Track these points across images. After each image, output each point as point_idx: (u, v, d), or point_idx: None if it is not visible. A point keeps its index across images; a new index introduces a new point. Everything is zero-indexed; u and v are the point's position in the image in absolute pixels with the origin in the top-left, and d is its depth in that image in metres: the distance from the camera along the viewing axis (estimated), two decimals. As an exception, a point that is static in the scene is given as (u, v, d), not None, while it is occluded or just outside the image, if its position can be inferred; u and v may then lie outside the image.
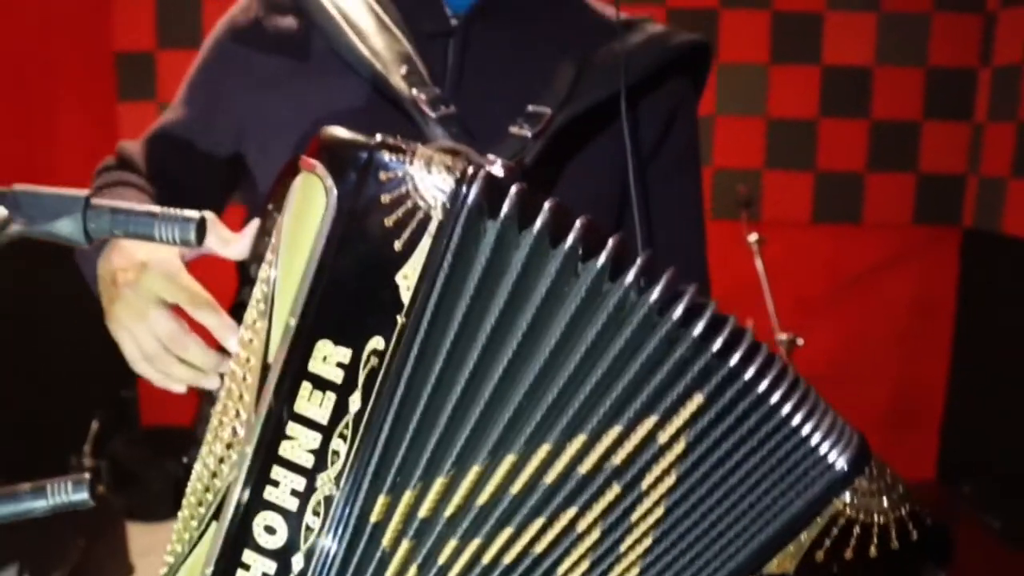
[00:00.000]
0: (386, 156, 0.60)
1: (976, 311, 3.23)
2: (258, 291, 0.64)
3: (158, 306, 0.69)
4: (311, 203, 0.60)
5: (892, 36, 3.17)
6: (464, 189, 0.59)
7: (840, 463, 0.64)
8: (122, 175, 0.92)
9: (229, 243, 0.70)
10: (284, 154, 0.77)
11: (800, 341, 2.12)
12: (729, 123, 3.25)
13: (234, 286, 0.73)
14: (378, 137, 0.62)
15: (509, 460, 0.63)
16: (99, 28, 3.27)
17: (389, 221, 0.59)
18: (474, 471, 0.63)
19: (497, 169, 0.65)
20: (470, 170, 0.60)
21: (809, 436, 0.64)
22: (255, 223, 0.70)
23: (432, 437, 0.62)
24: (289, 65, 0.89)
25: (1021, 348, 2.91)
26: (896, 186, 3.27)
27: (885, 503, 0.65)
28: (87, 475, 0.54)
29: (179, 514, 0.68)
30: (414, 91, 0.81)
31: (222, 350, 0.69)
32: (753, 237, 2.21)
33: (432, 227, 0.59)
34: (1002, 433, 2.98)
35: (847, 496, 0.65)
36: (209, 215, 0.68)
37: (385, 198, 0.59)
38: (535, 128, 0.81)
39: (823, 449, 0.64)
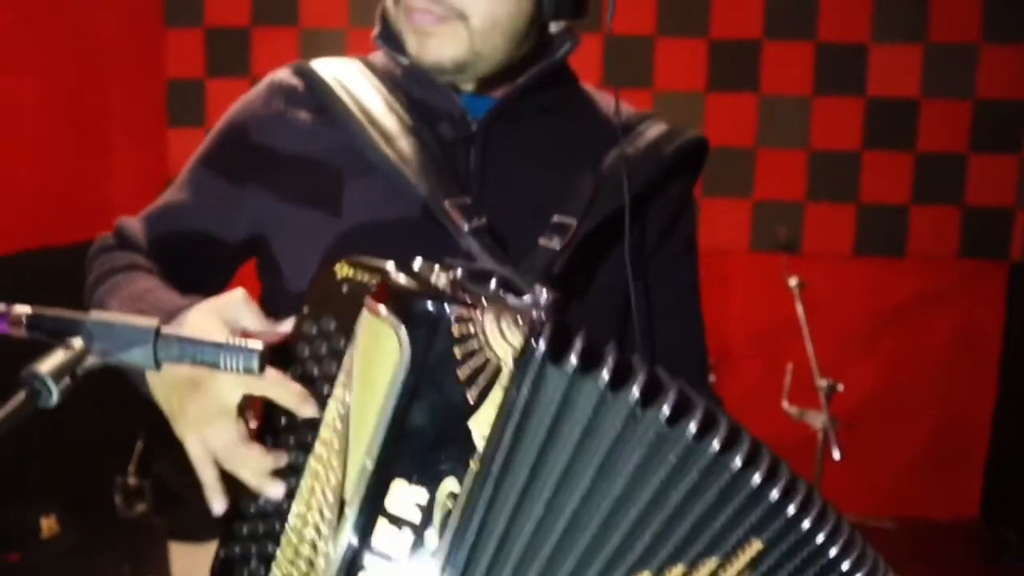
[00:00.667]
0: (457, 311, 0.63)
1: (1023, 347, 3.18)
2: (332, 411, 0.67)
3: (223, 415, 0.70)
4: (384, 348, 0.64)
5: (939, 68, 3.13)
6: (533, 343, 0.63)
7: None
8: (130, 258, 0.92)
9: (262, 321, 0.73)
10: (313, 252, 0.81)
11: (840, 387, 2.10)
12: (770, 155, 3.23)
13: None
14: (442, 279, 0.65)
15: None
16: (153, 57, 3.36)
17: (462, 374, 0.63)
18: None
19: (543, 296, 0.67)
20: (536, 326, 0.63)
21: None
22: (288, 324, 0.72)
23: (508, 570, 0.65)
24: (311, 161, 0.89)
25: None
26: (941, 219, 3.22)
27: None
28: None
29: None
30: (446, 202, 0.83)
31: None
32: (794, 281, 2.20)
33: (503, 379, 0.63)
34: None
35: None
36: (240, 301, 0.71)
37: (457, 351, 0.63)
38: (563, 240, 0.84)
39: None
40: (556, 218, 0.85)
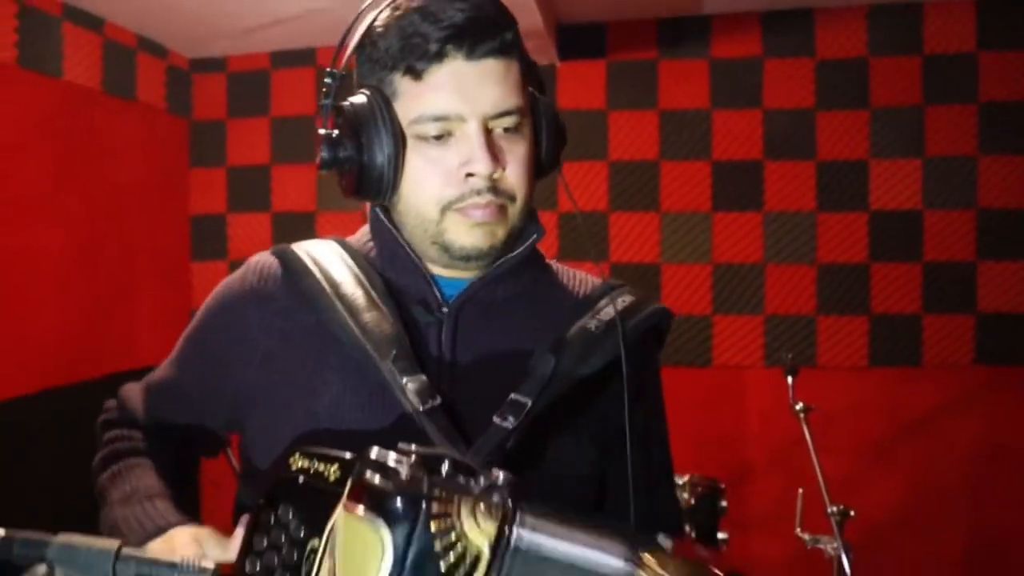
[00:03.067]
0: (435, 507, 0.67)
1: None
2: None
3: None
4: (366, 546, 0.66)
5: (939, 179, 3.19)
6: (506, 530, 0.67)
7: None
8: (128, 442, 0.99)
9: (227, 549, 0.77)
10: (281, 429, 0.85)
11: (852, 512, 2.06)
12: (779, 271, 3.27)
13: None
14: (404, 468, 0.68)
15: None
16: (178, 195, 3.53)
17: (444, 564, 0.66)
18: None
19: (500, 478, 0.71)
20: (508, 513, 0.68)
21: None
22: (245, 520, 0.76)
23: None
24: (283, 341, 0.94)
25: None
26: (955, 327, 3.21)
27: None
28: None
29: None
30: (404, 380, 0.85)
31: None
32: (799, 406, 2.19)
33: (482, 565, 0.67)
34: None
35: None
36: (205, 537, 0.75)
37: (437, 544, 0.66)
38: (517, 418, 0.86)
39: None
40: (512, 396, 0.88)
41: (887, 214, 3.22)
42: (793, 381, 2.24)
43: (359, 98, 0.90)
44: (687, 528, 2.28)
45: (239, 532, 0.76)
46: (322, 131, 0.90)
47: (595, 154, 3.34)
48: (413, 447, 0.72)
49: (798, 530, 2.14)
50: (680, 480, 2.32)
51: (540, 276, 1.03)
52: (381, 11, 0.88)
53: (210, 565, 0.59)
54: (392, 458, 0.70)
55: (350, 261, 0.96)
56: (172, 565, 0.58)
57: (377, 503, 0.66)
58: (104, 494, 0.93)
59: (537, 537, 0.68)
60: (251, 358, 0.95)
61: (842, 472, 3.15)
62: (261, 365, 0.94)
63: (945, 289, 3.20)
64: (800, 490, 2.14)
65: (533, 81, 0.94)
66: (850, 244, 3.25)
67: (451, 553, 0.66)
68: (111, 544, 0.59)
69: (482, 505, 0.68)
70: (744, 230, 3.29)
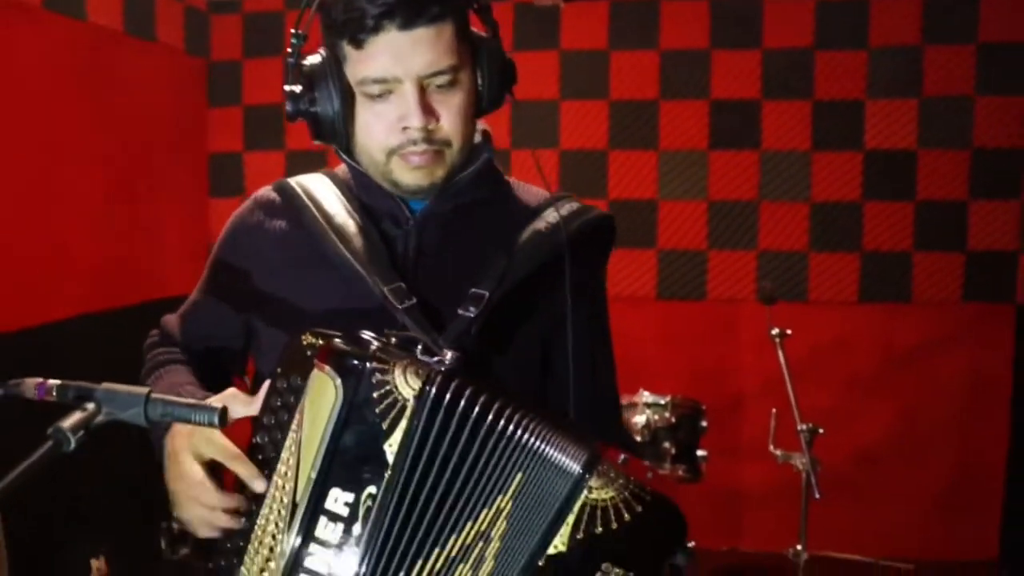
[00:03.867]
0: (375, 365, 0.87)
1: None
2: (289, 446, 0.90)
3: (195, 462, 0.95)
4: (324, 394, 0.88)
5: (934, 119, 3.26)
6: (427, 387, 0.87)
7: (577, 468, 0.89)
8: (169, 353, 1.19)
9: (248, 404, 0.95)
10: (286, 329, 1.02)
11: (822, 431, 2.22)
12: (773, 208, 3.38)
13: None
14: (372, 343, 0.88)
15: (435, 554, 0.91)
16: (197, 133, 3.68)
17: (378, 409, 0.87)
18: (429, 563, 0.91)
19: (449, 359, 0.91)
20: (431, 375, 0.88)
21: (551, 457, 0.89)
22: (267, 384, 0.94)
23: (409, 545, 0.90)
24: (286, 261, 1.12)
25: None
26: (945, 265, 3.31)
27: (612, 490, 0.88)
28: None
29: None
30: (385, 289, 1.04)
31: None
32: (775, 331, 2.34)
33: (408, 413, 0.87)
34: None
35: (586, 492, 0.89)
36: (232, 396, 0.93)
37: (375, 394, 0.87)
38: (478, 308, 1.03)
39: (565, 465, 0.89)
40: (472, 291, 1.05)
41: (881, 153, 3.30)
42: (770, 309, 2.38)
43: (315, 58, 1.06)
44: (629, 430, 2.44)
45: (261, 393, 0.95)
46: (286, 88, 1.07)
47: (596, 93, 3.44)
48: (394, 332, 0.94)
49: (771, 447, 2.30)
50: (662, 400, 2.49)
51: (497, 189, 1.18)
52: None
53: (219, 405, 0.75)
54: (374, 339, 0.88)
55: (337, 191, 1.14)
56: (190, 405, 0.75)
57: (336, 360, 0.87)
58: None
59: (461, 402, 0.87)
60: (261, 276, 1.14)
61: (831, 402, 3.31)
62: (269, 282, 1.13)
63: (936, 227, 3.29)
64: (773, 410, 2.30)
65: (473, 35, 1.08)
66: (844, 183, 3.34)
67: (386, 401, 0.86)
68: (143, 390, 0.75)
69: (413, 367, 0.87)
70: (740, 168, 3.38)
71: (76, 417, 0.72)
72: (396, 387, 0.86)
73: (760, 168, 3.37)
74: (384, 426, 0.86)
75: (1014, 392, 3.30)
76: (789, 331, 2.37)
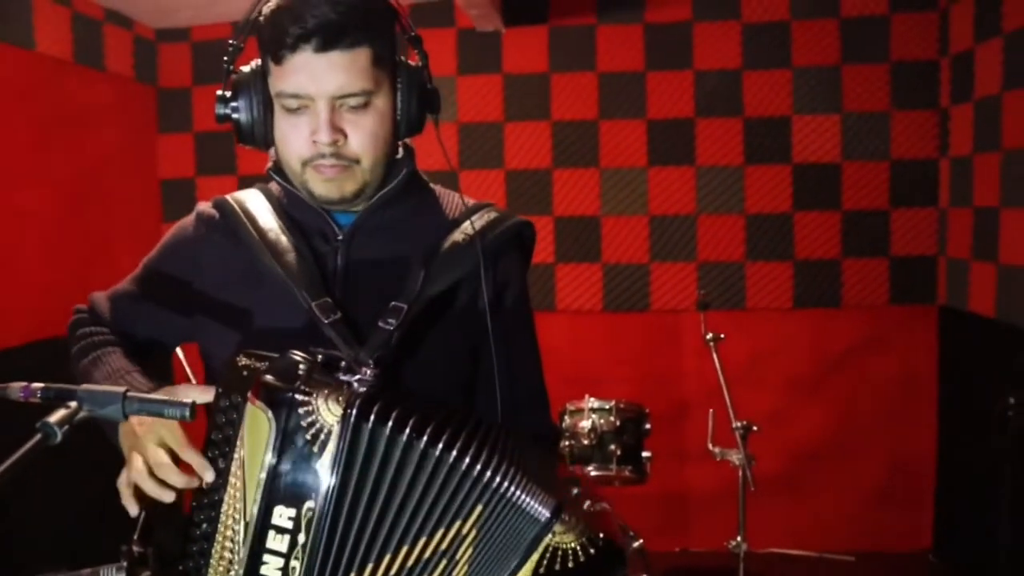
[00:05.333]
0: (301, 397, 0.97)
1: (958, 385, 3.40)
2: (235, 463, 0.99)
3: (157, 446, 1.03)
4: (259, 425, 0.98)
5: (855, 134, 3.47)
6: (348, 411, 0.97)
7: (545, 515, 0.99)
8: (102, 336, 1.25)
9: (204, 393, 1.05)
10: (226, 342, 1.14)
11: (756, 428, 2.36)
12: (710, 221, 3.55)
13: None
14: (300, 366, 0.98)
15: (386, 559, 1.00)
16: (148, 159, 3.73)
17: (308, 435, 0.97)
18: (369, 568, 1.00)
19: (368, 377, 1.02)
20: (352, 400, 0.97)
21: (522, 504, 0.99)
22: (213, 390, 1.04)
23: (348, 550, 0.99)
24: (225, 275, 1.20)
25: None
26: (871, 270, 3.51)
27: (572, 536, 1.00)
28: (124, 564, 0.84)
29: None
30: (314, 304, 1.12)
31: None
32: (709, 336, 2.48)
33: (334, 436, 0.97)
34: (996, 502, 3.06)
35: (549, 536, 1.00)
36: (188, 389, 1.05)
37: (304, 422, 0.97)
38: (397, 320, 1.13)
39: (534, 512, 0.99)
40: (392, 304, 1.13)
41: (808, 167, 3.50)
42: (704, 315, 2.52)
43: (245, 69, 1.16)
44: (568, 433, 2.56)
45: (213, 388, 1.04)
46: (219, 92, 1.17)
47: (539, 115, 3.58)
48: (320, 351, 1.04)
49: (709, 445, 2.44)
50: (607, 405, 2.61)
51: (423, 201, 1.27)
52: (268, 2, 1.14)
53: (189, 400, 0.84)
54: (301, 359, 1.01)
55: (270, 208, 1.23)
56: (163, 402, 0.84)
57: (265, 395, 0.98)
58: (87, 376, 1.19)
59: (387, 422, 0.96)
60: (200, 288, 1.22)
61: (770, 403, 3.46)
62: (208, 294, 1.22)
63: (862, 235, 3.50)
64: (711, 411, 2.44)
65: (398, 62, 1.17)
66: (775, 195, 3.52)
67: (314, 428, 0.97)
68: (119, 389, 0.84)
69: (335, 395, 0.97)
70: (678, 183, 3.55)
71: (61, 413, 0.81)
72: (320, 415, 0.96)
73: (696, 183, 3.54)
74: (315, 449, 0.96)
75: (940, 388, 3.49)
76: (722, 335, 2.52)
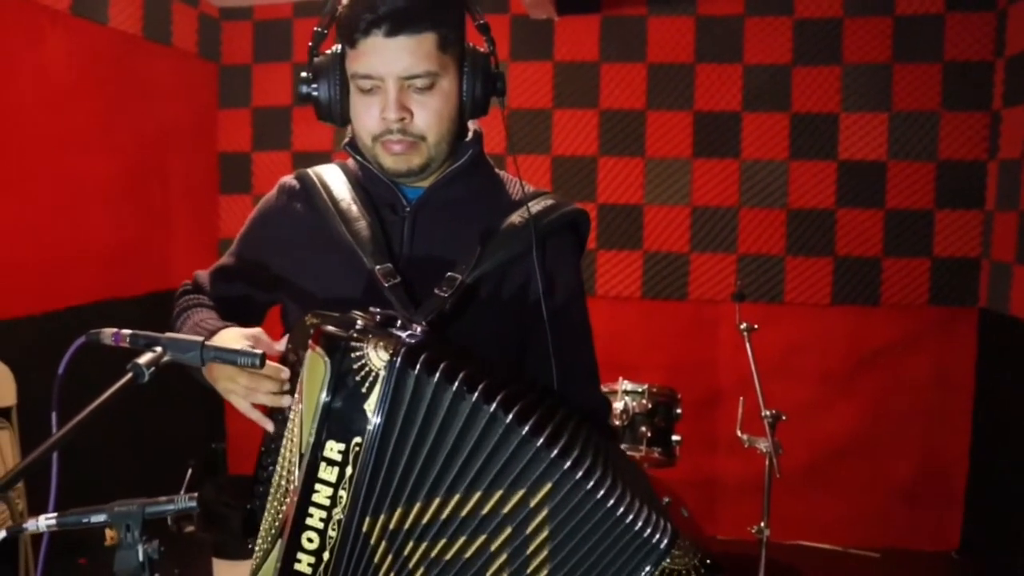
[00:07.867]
0: (353, 343, 1.04)
1: (994, 388, 3.40)
2: (296, 404, 1.08)
3: (241, 375, 1.14)
4: (317, 367, 1.05)
5: (903, 133, 3.47)
6: (394, 357, 1.03)
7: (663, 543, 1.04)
8: (199, 299, 1.37)
9: (271, 347, 1.16)
10: (299, 301, 1.25)
11: (784, 416, 2.41)
12: (752, 214, 3.59)
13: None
14: (357, 322, 1.06)
15: (436, 501, 1.05)
16: (208, 133, 3.87)
17: (358, 377, 1.04)
18: (416, 507, 1.05)
19: (418, 333, 1.08)
20: (398, 348, 1.04)
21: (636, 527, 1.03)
22: (285, 339, 1.15)
23: (392, 487, 1.05)
24: (302, 240, 1.32)
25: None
26: (912, 270, 3.52)
27: (685, 560, 1.06)
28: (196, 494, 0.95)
29: (258, 538, 1.12)
30: (376, 268, 1.23)
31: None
32: (743, 325, 2.53)
33: (380, 379, 1.03)
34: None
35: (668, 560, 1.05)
36: (258, 336, 1.15)
37: (355, 366, 1.04)
38: (451, 289, 1.22)
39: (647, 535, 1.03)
40: (448, 274, 1.24)
41: (854, 164, 3.51)
42: (739, 306, 2.57)
43: (326, 53, 1.26)
44: (620, 415, 2.63)
45: (284, 340, 1.16)
46: (302, 74, 1.29)
47: (587, 103, 3.64)
48: (378, 311, 1.12)
49: (738, 431, 2.50)
50: (640, 388, 2.68)
51: (486, 182, 1.37)
52: None
53: (259, 351, 0.94)
54: (360, 316, 1.09)
55: (346, 180, 1.35)
56: (236, 351, 0.94)
57: (324, 341, 1.05)
58: (177, 329, 1.32)
59: (428, 374, 1.02)
60: (283, 253, 1.35)
61: (802, 397, 3.50)
62: (289, 258, 1.34)
63: (904, 235, 3.50)
64: (741, 398, 2.49)
65: (465, 47, 1.26)
66: (819, 191, 3.54)
67: (363, 371, 1.04)
68: (199, 338, 0.95)
69: (383, 342, 1.05)
70: (721, 176, 3.59)
71: (148, 356, 0.91)
72: (370, 359, 1.03)
73: (740, 176, 3.58)
74: (363, 390, 1.03)
75: (976, 391, 3.49)
76: (756, 325, 2.57)
